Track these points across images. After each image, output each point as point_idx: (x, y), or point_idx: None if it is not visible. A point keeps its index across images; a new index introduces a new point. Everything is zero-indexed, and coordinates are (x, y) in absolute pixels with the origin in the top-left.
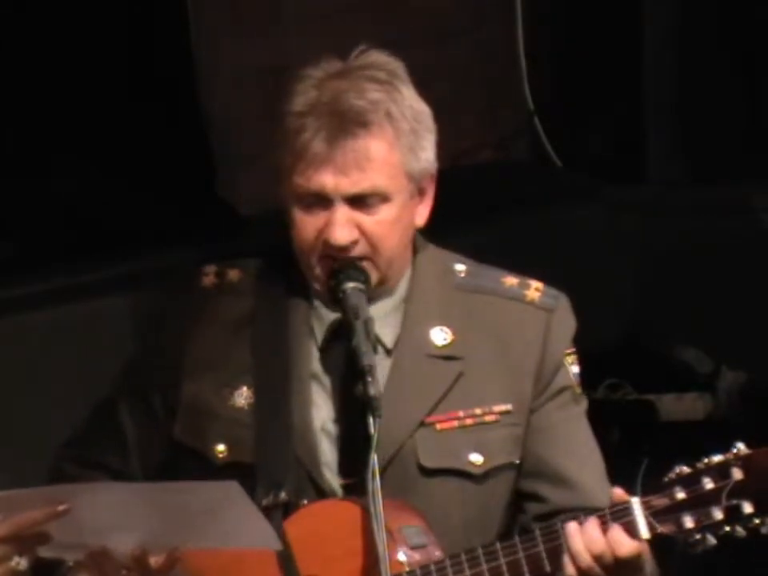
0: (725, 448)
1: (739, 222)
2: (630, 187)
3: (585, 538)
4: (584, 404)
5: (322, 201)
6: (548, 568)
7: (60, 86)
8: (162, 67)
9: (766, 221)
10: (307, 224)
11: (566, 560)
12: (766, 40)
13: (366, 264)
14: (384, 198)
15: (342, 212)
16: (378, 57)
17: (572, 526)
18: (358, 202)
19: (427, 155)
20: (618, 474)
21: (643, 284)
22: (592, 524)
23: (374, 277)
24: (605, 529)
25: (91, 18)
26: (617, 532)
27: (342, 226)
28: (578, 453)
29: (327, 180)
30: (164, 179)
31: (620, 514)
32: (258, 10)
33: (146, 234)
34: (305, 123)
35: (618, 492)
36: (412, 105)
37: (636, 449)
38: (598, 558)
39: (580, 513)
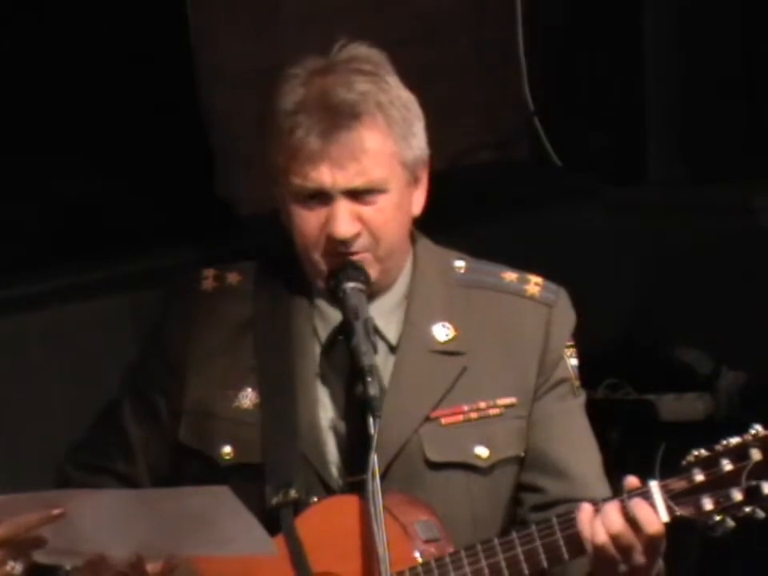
0: None
1: (739, 222)
2: (630, 187)
3: (604, 520)
4: (582, 397)
5: (321, 197)
6: (566, 556)
7: (60, 85)
8: (162, 67)
9: (766, 221)
10: (309, 221)
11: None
12: (766, 40)
13: (367, 257)
14: (382, 189)
15: (343, 205)
16: (360, 49)
17: (587, 509)
18: (357, 194)
19: (419, 142)
20: (618, 473)
21: (643, 284)
22: (611, 507)
23: (376, 270)
24: (624, 513)
25: (91, 18)
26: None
27: (344, 220)
28: (575, 444)
29: (325, 176)
30: (164, 179)
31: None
32: (257, 10)
33: (145, 234)
34: (297, 121)
35: (632, 479)
36: (400, 94)
37: (636, 449)
38: (616, 539)
39: (575, 504)
